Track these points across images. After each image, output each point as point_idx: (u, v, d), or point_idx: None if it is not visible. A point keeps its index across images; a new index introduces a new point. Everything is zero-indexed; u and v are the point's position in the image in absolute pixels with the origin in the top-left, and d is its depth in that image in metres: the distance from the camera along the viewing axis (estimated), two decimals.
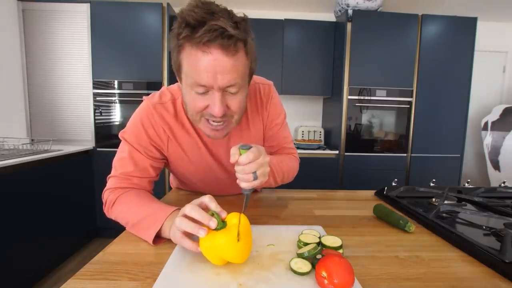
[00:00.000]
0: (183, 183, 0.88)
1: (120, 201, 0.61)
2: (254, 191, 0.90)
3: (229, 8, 0.52)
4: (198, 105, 0.56)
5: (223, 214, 0.46)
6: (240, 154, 0.52)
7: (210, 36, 0.47)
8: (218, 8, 0.50)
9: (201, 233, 0.42)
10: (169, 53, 2.18)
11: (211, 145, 0.73)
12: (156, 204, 0.58)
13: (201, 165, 0.74)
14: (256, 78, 0.76)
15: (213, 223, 0.43)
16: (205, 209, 0.48)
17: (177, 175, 0.82)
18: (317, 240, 0.50)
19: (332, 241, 0.49)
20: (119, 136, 0.67)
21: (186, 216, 0.46)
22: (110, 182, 0.66)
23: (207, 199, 0.48)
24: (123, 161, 0.66)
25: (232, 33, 0.48)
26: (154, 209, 0.56)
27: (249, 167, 0.51)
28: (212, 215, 0.45)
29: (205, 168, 0.76)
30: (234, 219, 0.45)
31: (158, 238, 0.52)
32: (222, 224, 0.44)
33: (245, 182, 0.53)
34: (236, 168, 0.53)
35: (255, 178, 0.53)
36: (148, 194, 0.66)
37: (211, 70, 0.50)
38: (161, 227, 0.51)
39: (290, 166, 0.76)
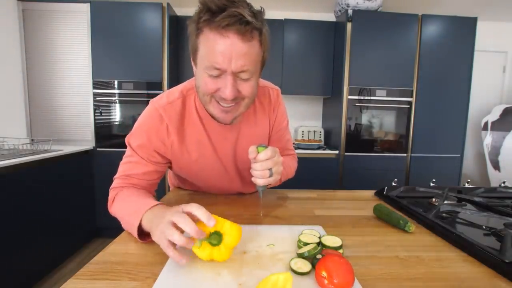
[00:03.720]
0: (183, 182, 0.88)
1: (117, 199, 0.63)
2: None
3: None
4: (210, 87, 0.57)
5: (211, 222, 0.43)
6: (258, 152, 0.57)
7: (230, 20, 0.50)
8: None
9: (190, 246, 0.42)
10: (169, 53, 2.17)
11: (217, 145, 0.73)
12: (142, 200, 0.58)
13: (205, 164, 0.75)
14: (264, 82, 0.79)
15: (200, 235, 0.42)
16: (190, 215, 0.46)
17: (179, 175, 0.83)
18: (317, 240, 0.50)
19: (332, 241, 0.49)
20: (125, 141, 0.69)
21: (173, 224, 0.43)
22: (114, 182, 0.68)
23: (194, 209, 0.45)
24: (126, 165, 0.68)
25: (250, 20, 0.51)
26: (139, 204, 0.55)
27: (267, 163, 0.57)
28: (211, 234, 0.45)
29: (208, 167, 0.76)
30: (220, 224, 0.46)
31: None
32: (219, 239, 0.44)
33: (261, 179, 0.57)
34: (254, 165, 0.58)
35: (271, 175, 0.58)
36: (142, 191, 0.66)
37: (227, 53, 0.52)
38: (141, 221, 0.51)
39: (290, 166, 0.83)
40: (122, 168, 0.68)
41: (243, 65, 0.53)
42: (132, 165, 0.67)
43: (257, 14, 0.54)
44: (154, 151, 0.68)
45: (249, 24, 0.51)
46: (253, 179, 0.59)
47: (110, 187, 0.68)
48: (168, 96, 0.69)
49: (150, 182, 0.70)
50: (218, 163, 0.76)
